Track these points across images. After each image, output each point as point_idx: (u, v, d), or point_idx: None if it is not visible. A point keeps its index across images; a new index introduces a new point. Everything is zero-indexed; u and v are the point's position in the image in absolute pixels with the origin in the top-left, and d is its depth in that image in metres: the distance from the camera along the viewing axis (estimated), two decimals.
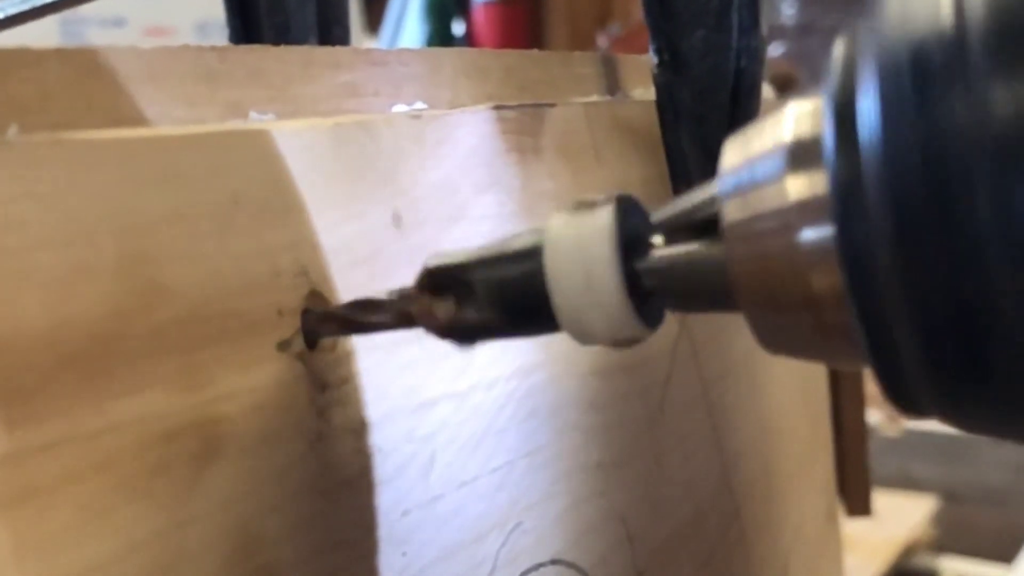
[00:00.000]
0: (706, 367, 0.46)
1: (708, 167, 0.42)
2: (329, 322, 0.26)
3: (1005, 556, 1.11)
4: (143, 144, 0.23)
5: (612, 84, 0.45)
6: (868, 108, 0.20)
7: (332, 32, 0.46)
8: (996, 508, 1.28)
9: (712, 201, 0.24)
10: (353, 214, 0.28)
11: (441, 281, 0.25)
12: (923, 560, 1.10)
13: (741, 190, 0.23)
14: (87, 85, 0.23)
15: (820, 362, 0.24)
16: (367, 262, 0.28)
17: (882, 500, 0.83)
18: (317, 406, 0.26)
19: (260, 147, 0.26)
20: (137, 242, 0.22)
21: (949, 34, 0.19)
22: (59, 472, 0.20)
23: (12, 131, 0.21)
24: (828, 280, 0.21)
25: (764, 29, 0.41)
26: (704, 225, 0.24)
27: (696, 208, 0.24)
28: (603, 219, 0.24)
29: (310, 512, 0.26)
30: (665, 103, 0.42)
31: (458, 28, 1.83)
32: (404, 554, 0.28)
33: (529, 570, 0.34)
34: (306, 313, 0.26)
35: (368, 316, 0.26)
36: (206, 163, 0.24)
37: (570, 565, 0.36)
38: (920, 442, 1.35)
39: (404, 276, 0.29)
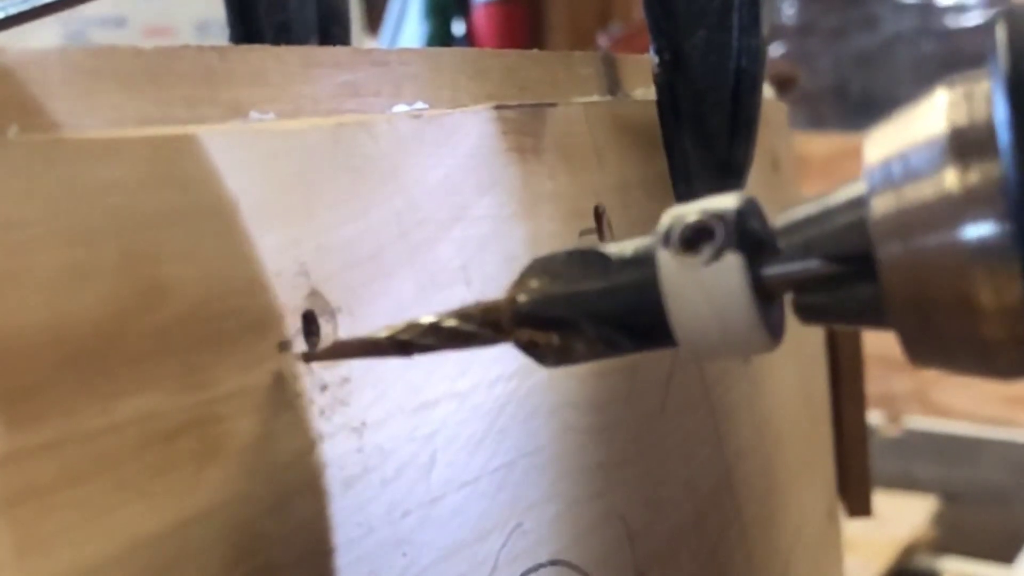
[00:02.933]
0: (708, 367, 0.46)
1: (709, 166, 0.42)
2: (431, 335, 0.25)
3: (1005, 556, 1.10)
4: (143, 144, 0.23)
5: (613, 84, 0.45)
6: None
7: (332, 32, 0.46)
8: (996, 508, 1.28)
9: (855, 203, 0.21)
10: (354, 214, 0.28)
11: (542, 322, 0.24)
12: (923, 560, 1.10)
13: (893, 183, 0.21)
14: (87, 85, 0.23)
15: (979, 376, 0.22)
16: (368, 262, 0.28)
17: (883, 500, 0.83)
18: (318, 406, 0.26)
19: (260, 147, 0.26)
20: (137, 242, 0.22)
21: None
22: (59, 472, 0.20)
23: (12, 131, 0.21)
24: (995, 283, 0.19)
25: (764, 29, 0.41)
26: (845, 229, 0.22)
27: (835, 209, 0.22)
28: (731, 267, 0.22)
29: (310, 512, 0.26)
30: (666, 103, 0.42)
31: (458, 28, 1.83)
32: (404, 554, 0.28)
33: (530, 570, 0.34)
34: (411, 326, 0.25)
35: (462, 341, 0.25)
36: (206, 163, 0.24)
37: (570, 565, 0.36)
38: (920, 442, 1.35)
39: (404, 276, 0.29)
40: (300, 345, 0.26)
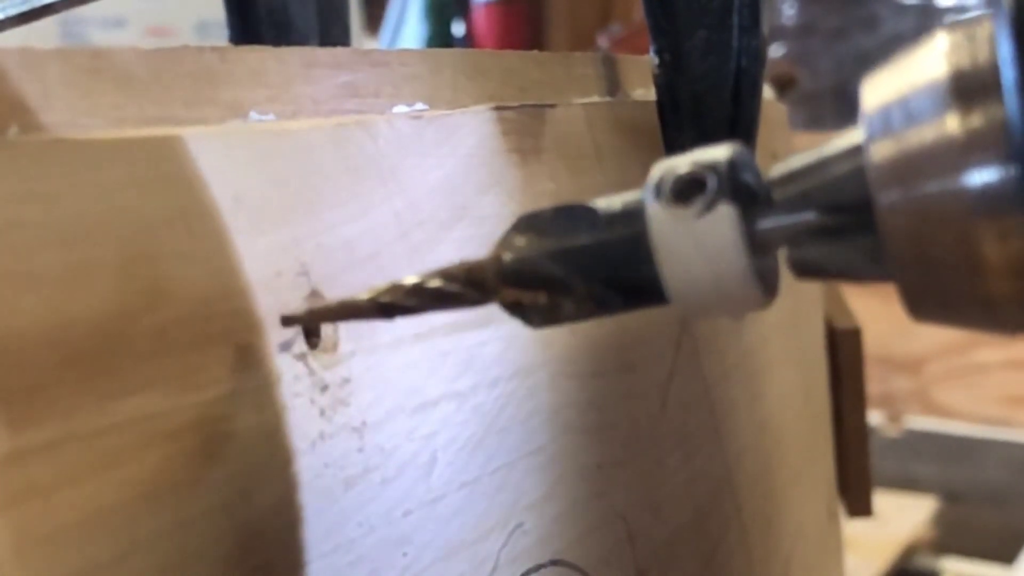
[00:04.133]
0: (708, 367, 0.46)
1: None
2: (414, 296, 0.24)
3: (1005, 556, 1.11)
4: (143, 144, 0.23)
5: (613, 85, 0.45)
6: None
7: (332, 32, 0.46)
8: (996, 508, 1.28)
9: (853, 151, 0.21)
10: (354, 214, 0.28)
11: (529, 280, 0.23)
12: (924, 560, 1.10)
13: (892, 129, 0.20)
14: (87, 85, 0.23)
15: (982, 331, 0.21)
16: (368, 262, 0.28)
17: (883, 500, 0.83)
18: (318, 406, 0.26)
19: (260, 147, 0.26)
20: (138, 242, 0.22)
21: None
22: (60, 472, 0.20)
23: (12, 131, 0.21)
24: (999, 231, 0.18)
25: (764, 29, 0.41)
26: (843, 178, 0.21)
27: (832, 158, 0.21)
28: (724, 218, 0.21)
29: (310, 512, 0.26)
30: (666, 103, 0.42)
31: (458, 28, 1.83)
32: (405, 554, 0.28)
33: (530, 570, 0.34)
34: (394, 288, 0.24)
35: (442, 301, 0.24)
36: (206, 163, 0.24)
37: (571, 565, 0.36)
38: (921, 442, 1.35)
39: (405, 276, 0.29)
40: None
